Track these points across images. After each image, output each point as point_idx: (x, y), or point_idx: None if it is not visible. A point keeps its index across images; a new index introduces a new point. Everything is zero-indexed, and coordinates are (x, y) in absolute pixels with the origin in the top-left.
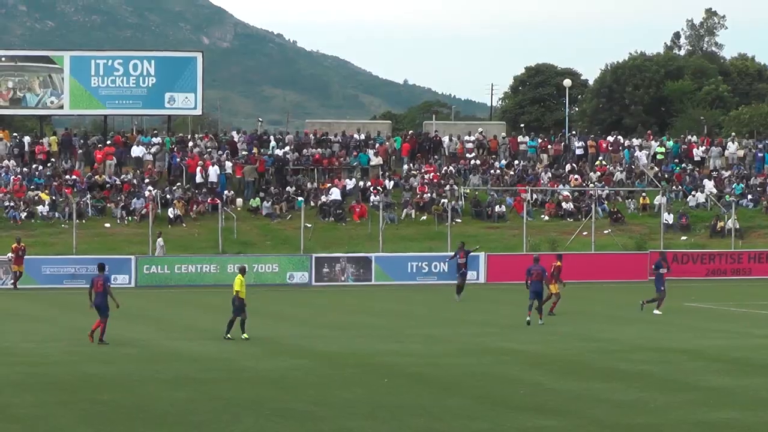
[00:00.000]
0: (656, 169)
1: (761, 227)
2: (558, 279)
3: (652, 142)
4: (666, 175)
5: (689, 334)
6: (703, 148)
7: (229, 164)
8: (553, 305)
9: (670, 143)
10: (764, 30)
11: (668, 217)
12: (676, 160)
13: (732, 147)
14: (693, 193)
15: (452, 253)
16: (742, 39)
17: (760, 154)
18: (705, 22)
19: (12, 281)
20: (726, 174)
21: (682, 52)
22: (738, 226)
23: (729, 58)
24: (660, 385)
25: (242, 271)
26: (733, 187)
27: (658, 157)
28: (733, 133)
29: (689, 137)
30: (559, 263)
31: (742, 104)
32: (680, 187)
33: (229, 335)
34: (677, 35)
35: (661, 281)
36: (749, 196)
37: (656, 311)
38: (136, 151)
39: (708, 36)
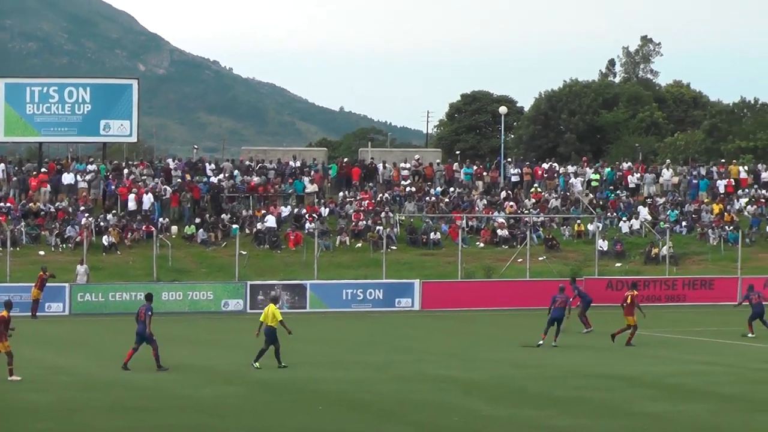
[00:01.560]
0: (591, 195)
1: (695, 254)
2: (636, 308)
3: (587, 169)
4: (601, 202)
5: (624, 361)
6: (638, 174)
7: (165, 190)
8: (631, 336)
9: (605, 170)
10: (700, 57)
11: (603, 244)
12: (611, 187)
13: (667, 174)
14: (627, 219)
15: None
16: (677, 66)
17: (694, 181)
18: (641, 49)
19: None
20: (660, 201)
21: (618, 79)
22: (672, 253)
23: (664, 84)
24: (595, 411)
25: (275, 300)
26: (668, 213)
27: (593, 183)
28: (668, 160)
29: (624, 164)
30: (635, 292)
31: (678, 131)
32: (615, 213)
33: (257, 364)
34: (612, 62)
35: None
36: (684, 223)
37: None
38: (70, 178)
39: (643, 63)
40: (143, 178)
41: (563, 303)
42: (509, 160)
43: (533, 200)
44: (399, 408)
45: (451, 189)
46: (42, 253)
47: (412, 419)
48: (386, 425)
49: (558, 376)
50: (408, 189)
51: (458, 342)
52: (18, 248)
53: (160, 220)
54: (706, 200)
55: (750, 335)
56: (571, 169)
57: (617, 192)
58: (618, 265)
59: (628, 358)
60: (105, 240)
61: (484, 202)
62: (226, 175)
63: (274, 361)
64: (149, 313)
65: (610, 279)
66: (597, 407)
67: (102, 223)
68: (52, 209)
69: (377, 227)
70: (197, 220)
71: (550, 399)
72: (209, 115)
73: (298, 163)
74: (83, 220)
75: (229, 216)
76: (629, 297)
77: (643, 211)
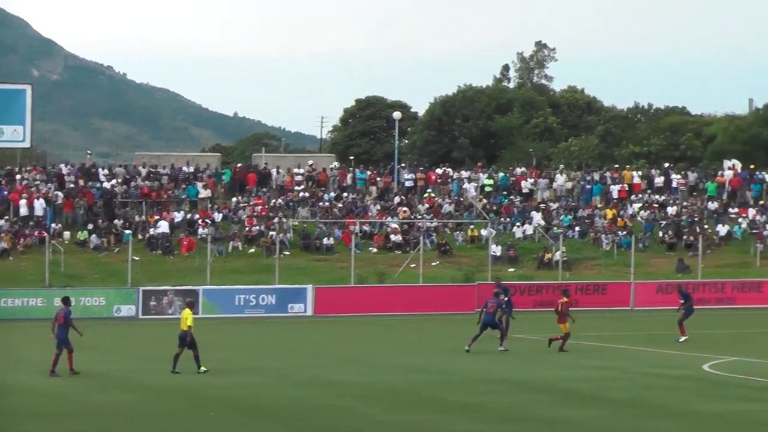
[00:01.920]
0: (485, 201)
1: (588, 259)
2: (568, 316)
3: (481, 174)
4: (494, 207)
5: (520, 366)
6: (532, 180)
7: (57, 196)
8: (563, 343)
9: (499, 175)
10: (594, 62)
11: (496, 249)
12: (505, 192)
13: (560, 179)
14: (521, 224)
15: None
16: (571, 71)
17: (588, 186)
18: (535, 55)
19: None
20: (554, 206)
21: (512, 85)
22: (566, 258)
23: (559, 90)
24: (491, 416)
25: (190, 305)
26: (561, 218)
27: (487, 189)
28: (562, 165)
29: (518, 169)
30: (565, 299)
31: (571, 136)
32: (508, 218)
33: (176, 370)
34: (507, 68)
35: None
36: (577, 228)
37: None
38: None
39: (538, 68)
40: (36, 183)
41: (493, 307)
42: (403, 165)
43: (427, 205)
44: (292, 413)
45: (345, 194)
46: None
47: (305, 425)
48: (278, 430)
49: (454, 381)
50: (301, 194)
51: (353, 347)
52: None
53: (53, 225)
54: (599, 205)
55: (683, 339)
56: (464, 174)
57: (511, 197)
58: (511, 270)
59: (523, 363)
60: None
61: (378, 207)
62: (119, 180)
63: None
64: (70, 317)
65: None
66: (492, 412)
67: None
68: None
69: (270, 232)
70: (90, 226)
71: (446, 404)
72: (103, 121)
73: (192, 169)
74: None
75: (122, 221)
76: (560, 305)
77: (537, 217)
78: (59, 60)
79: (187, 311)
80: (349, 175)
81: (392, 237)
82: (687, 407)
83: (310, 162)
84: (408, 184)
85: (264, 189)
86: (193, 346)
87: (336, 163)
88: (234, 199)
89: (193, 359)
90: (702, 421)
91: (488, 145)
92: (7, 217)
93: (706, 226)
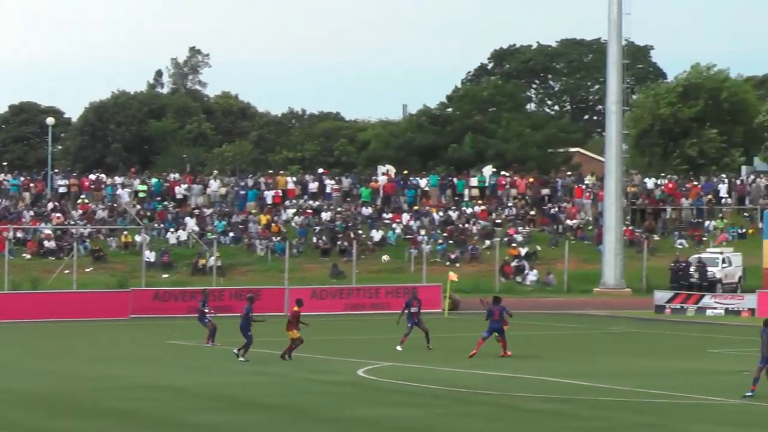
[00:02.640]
0: (138, 206)
1: (243, 264)
2: (297, 324)
3: (135, 180)
4: (148, 213)
5: (175, 371)
6: (186, 185)
7: None
8: (290, 349)
9: (153, 180)
10: (247, 68)
11: (150, 255)
12: (158, 198)
13: (214, 184)
14: (175, 230)
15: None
16: (226, 77)
17: (242, 192)
18: (189, 61)
19: None
20: (208, 212)
21: (166, 90)
22: (220, 264)
23: (213, 96)
24: (150, 422)
25: None
26: (215, 224)
27: (141, 194)
28: (216, 171)
29: (172, 175)
30: (297, 308)
31: (226, 142)
32: (162, 224)
33: None
34: (160, 73)
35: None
36: (231, 234)
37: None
38: None
39: (192, 74)
40: None
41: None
42: (56, 171)
43: (80, 211)
44: None
45: None
46: None
47: None
48: None
49: (113, 387)
50: None
51: (5, 354)
52: None
53: None
54: (253, 211)
55: (398, 348)
56: (118, 179)
57: (165, 203)
58: (165, 276)
59: (180, 369)
60: None
61: (32, 213)
62: None
63: None
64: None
65: (157, 290)
66: (149, 419)
67: None
68: None
69: None
70: None
71: (108, 411)
72: None
73: None
74: None
75: None
76: (292, 313)
77: (191, 222)
78: None
79: None
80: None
81: (46, 243)
82: (340, 412)
83: None
84: (61, 190)
85: None
86: None
87: None
88: None
89: None
90: (354, 426)
91: (142, 151)
92: None
93: (360, 232)
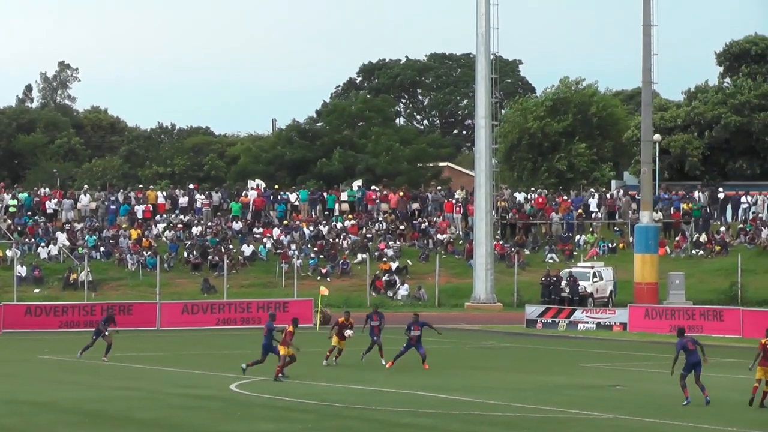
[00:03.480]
0: (9, 221)
1: (114, 279)
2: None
3: (5, 195)
4: (19, 228)
5: (43, 387)
6: (56, 200)
7: None
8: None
9: (23, 195)
10: (116, 83)
11: (22, 270)
12: (29, 213)
13: (84, 199)
14: (46, 245)
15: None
16: (95, 91)
17: (112, 207)
18: (58, 75)
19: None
20: (79, 226)
21: (35, 105)
22: (91, 279)
23: (82, 110)
24: None
25: None
26: (86, 239)
27: (11, 209)
28: (86, 186)
29: (42, 189)
30: (291, 328)
31: (96, 157)
32: (33, 239)
33: None
34: (30, 87)
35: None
36: (102, 249)
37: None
38: None
39: (61, 89)
40: None
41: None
42: None
43: None
44: None
45: None
46: None
47: None
48: None
49: None
50: None
51: None
52: None
53: None
54: (124, 225)
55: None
56: None
57: (35, 217)
58: (37, 290)
59: (45, 383)
60: None
61: None
62: None
63: None
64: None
65: (29, 305)
66: None
67: None
68: None
69: None
70: None
71: None
72: None
73: None
74: None
75: None
76: (285, 332)
77: (62, 237)
78: None
79: None
80: None
81: None
82: (212, 427)
83: None
84: None
85: None
86: None
87: None
88: None
89: None
90: None
91: (12, 166)
92: None
93: (231, 246)
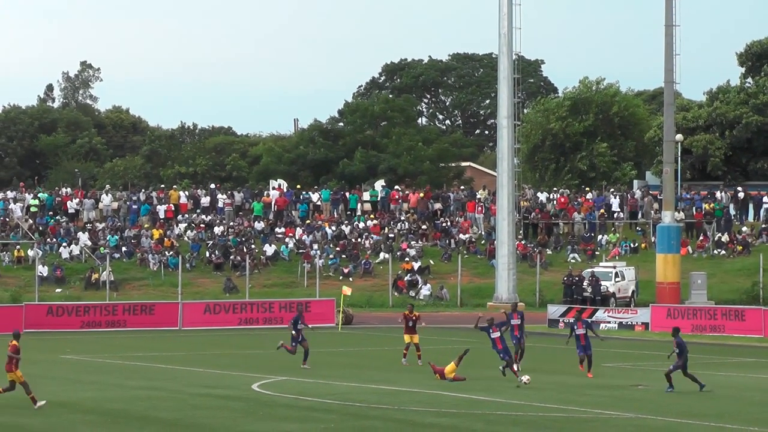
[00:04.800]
0: (30, 221)
1: (136, 279)
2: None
3: (27, 195)
4: (40, 228)
5: (64, 387)
6: (78, 200)
7: None
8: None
9: (44, 195)
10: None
11: (43, 270)
12: (51, 213)
13: (106, 199)
14: (68, 245)
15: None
16: (117, 91)
17: (134, 206)
18: (80, 75)
19: None
20: (100, 226)
21: (57, 104)
22: (113, 278)
23: (104, 110)
24: None
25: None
26: (108, 239)
27: (33, 209)
28: (108, 185)
29: (64, 189)
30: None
31: (117, 156)
32: (55, 239)
33: None
34: (51, 87)
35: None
36: (124, 249)
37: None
38: None
39: (83, 88)
40: None
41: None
42: None
43: None
44: None
45: None
46: None
47: None
48: None
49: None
50: None
51: None
52: None
53: None
54: (146, 225)
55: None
56: (10, 194)
57: (57, 217)
58: (59, 290)
59: (68, 384)
60: None
61: None
62: None
63: None
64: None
65: (50, 305)
66: None
67: None
68: None
69: None
70: None
71: None
72: None
73: None
74: None
75: None
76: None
77: (83, 237)
78: None
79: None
80: None
81: None
82: (234, 427)
83: None
84: None
85: None
86: None
87: None
88: None
89: None
90: None
91: (33, 165)
92: None
93: (253, 246)
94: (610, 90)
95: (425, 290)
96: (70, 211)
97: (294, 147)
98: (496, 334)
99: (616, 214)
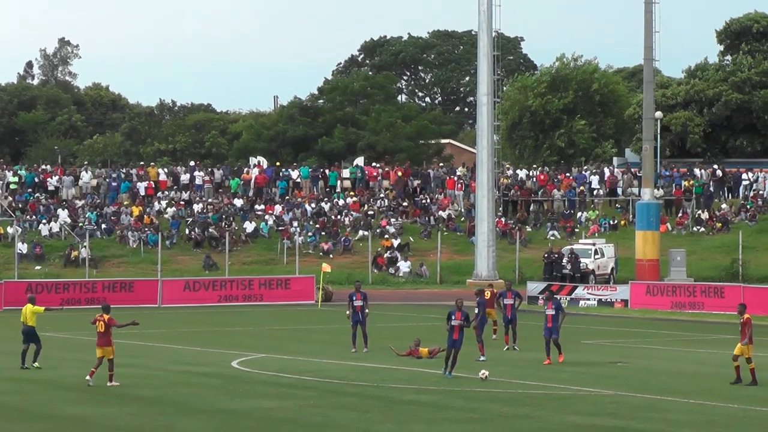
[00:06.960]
0: (10, 198)
1: (115, 256)
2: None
3: (7, 172)
4: (20, 205)
5: (44, 364)
6: (57, 177)
7: None
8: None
9: (24, 172)
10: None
11: (23, 247)
12: (30, 190)
13: (86, 176)
14: (47, 222)
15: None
16: (96, 68)
17: (113, 183)
18: (58, 52)
19: None
20: (80, 203)
21: (36, 82)
22: (92, 256)
23: (83, 87)
24: (16, 414)
25: (32, 301)
26: (88, 216)
27: (12, 186)
28: (87, 162)
29: (43, 167)
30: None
31: (96, 133)
32: (34, 216)
33: (26, 365)
34: (30, 64)
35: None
36: (103, 226)
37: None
38: None
39: (62, 65)
40: None
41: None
42: None
43: None
44: None
45: None
46: None
47: None
48: None
49: None
50: None
51: None
52: None
53: None
54: (125, 202)
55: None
56: None
57: (37, 195)
58: (38, 268)
59: (52, 362)
60: None
61: None
62: None
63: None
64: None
65: (30, 282)
66: (17, 410)
67: None
68: None
69: None
70: None
71: None
72: None
73: None
74: None
75: None
76: None
77: (63, 214)
78: None
79: (29, 306)
80: None
81: None
82: (213, 404)
83: None
84: None
85: None
86: (36, 340)
87: None
88: None
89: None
90: (228, 418)
91: (13, 143)
92: None
93: (233, 223)
94: (590, 67)
95: (404, 267)
96: (49, 188)
97: (273, 124)
98: (457, 322)
99: (595, 191)
